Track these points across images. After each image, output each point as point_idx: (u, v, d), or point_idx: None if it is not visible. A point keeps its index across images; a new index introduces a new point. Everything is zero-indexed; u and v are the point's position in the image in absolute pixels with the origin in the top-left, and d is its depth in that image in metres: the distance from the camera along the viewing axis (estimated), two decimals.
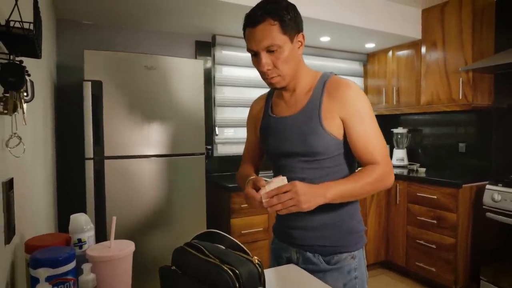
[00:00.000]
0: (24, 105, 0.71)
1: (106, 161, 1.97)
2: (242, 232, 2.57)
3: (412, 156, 3.68)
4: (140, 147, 2.08)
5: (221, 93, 3.14)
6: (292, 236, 1.18)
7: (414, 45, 3.29)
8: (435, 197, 2.78)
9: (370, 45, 3.48)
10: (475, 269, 2.68)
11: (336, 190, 0.98)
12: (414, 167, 3.34)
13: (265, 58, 1.03)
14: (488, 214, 2.46)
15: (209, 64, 3.10)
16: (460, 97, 2.90)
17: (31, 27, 0.70)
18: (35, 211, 1.20)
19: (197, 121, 2.27)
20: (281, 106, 1.19)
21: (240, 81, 3.20)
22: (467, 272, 2.72)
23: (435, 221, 2.79)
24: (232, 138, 3.24)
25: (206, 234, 0.94)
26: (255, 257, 0.79)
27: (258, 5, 1.04)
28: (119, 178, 2.02)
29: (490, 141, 3.03)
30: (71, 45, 2.50)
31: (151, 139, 2.11)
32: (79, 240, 0.81)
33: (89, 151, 1.92)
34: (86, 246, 0.81)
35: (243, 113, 3.25)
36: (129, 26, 2.71)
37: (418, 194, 2.91)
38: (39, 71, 1.48)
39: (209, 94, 3.06)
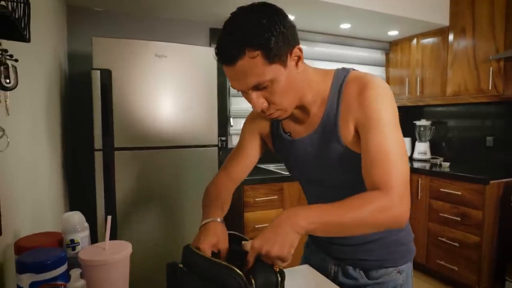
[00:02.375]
0: (7, 93, 0.64)
1: (116, 153, 1.92)
2: (256, 226, 2.51)
3: (435, 149, 3.52)
4: (150, 138, 2.03)
5: None
6: (329, 249, 1.05)
7: (440, 32, 3.10)
8: (460, 193, 2.64)
9: (393, 33, 3.30)
10: (501, 269, 2.54)
11: (315, 216, 0.73)
12: (437, 161, 3.18)
13: (256, 97, 0.80)
14: None
15: None
16: (490, 88, 2.72)
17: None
18: (36, 208, 1.15)
19: (210, 111, 2.19)
20: (293, 123, 0.97)
21: None
22: (491, 272, 2.58)
23: (458, 218, 2.65)
24: None
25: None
26: (277, 266, 0.72)
27: (228, 31, 0.76)
28: (129, 170, 1.98)
29: None
30: (82, 32, 2.46)
31: (162, 130, 2.05)
32: (72, 241, 0.75)
33: (98, 142, 1.87)
34: (79, 248, 0.75)
35: None
36: (141, 13, 2.64)
37: (441, 189, 2.77)
38: (43, 58, 1.43)
39: (224, 84, 2.97)
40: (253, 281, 0.70)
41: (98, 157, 1.87)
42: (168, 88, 2.06)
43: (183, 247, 0.82)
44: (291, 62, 0.79)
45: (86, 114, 2.13)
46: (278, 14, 0.77)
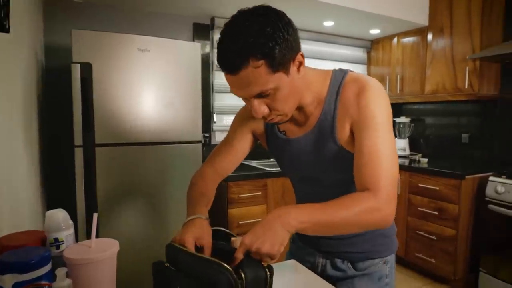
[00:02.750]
0: None
1: (97, 149, 1.88)
2: (240, 222, 2.51)
3: (414, 146, 3.61)
4: (133, 134, 1.99)
5: (220, 79, 3.03)
6: (317, 243, 1.07)
7: (420, 32, 3.18)
8: (437, 188, 2.72)
9: (375, 31, 3.36)
10: (475, 260, 2.64)
11: (305, 215, 0.74)
12: (416, 157, 3.27)
13: (258, 104, 0.79)
14: (491, 206, 2.41)
15: (207, 48, 2.98)
16: (466, 87, 2.81)
17: None
18: (15, 207, 1.11)
19: (194, 107, 2.17)
20: (288, 123, 0.96)
21: None
22: (466, 263, 2.68)
23: (436, 213, 2.73)
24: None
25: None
26: (266, 262, 0.72)
27: (230, 38, 0.73)
28: (111, 167, 1.94)
29: (494, 132, 2.95)
30: (60, 25, 2.38)
31: (144, 125, 2.02)
32: (56, 240, 0.73)
33: (78, 138, 1.82)
34: (64, 246, 0.73)
35: (241, 100, 3.15)
36: (123, 6, 2.58)
37: (420, 185, 2.85)
38: (19, 50, 1.37)
39: (207, 79, 2.95)
40: (242, 276, 0.70)
41: (79, 154, 1.83)
42: (151, 83, 2.02)
43: (166, 245, 0.81)
44: (293, 68, 0.79)
45: (65, 109, 2.07)
46: (281, 20, 0.75)
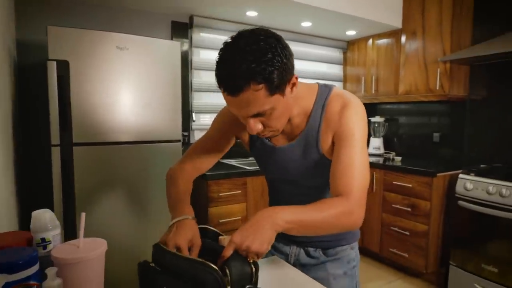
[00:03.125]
0: None
1: (75, 148, 1.83)
2: (220, 221, 2.52)
3: (388, 144, 3.73)
4: (111, 133, 1.96)
5: (199, 78, 3.02)
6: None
7: (394, 34, 3.28)
8: (411, 185, 2.83)
9: (351, 32, 3.44)
10: (445, 254, 2.76)
11: (290, 216, 0.80)
12: (390, 155, 3.38)
13: (253, 123, 0.85)
14: (460, 203, 2.52)
15: (185, 46, 2.96)
16: (437, 88, 2.93)
17: None
18: None
19: (173, 106, 2.16)
20: None
21: None
22: (437, 257, 2.81)
23: (409, 209, 2.84)
24: (210, 124, 3.14)
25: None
26: (251, 258, 0.74)
27: (232, 62, 0.77)
28: (89, 166, 1.90)
29: (463, 131, 3.10)
30: (34, 21, 2.30)
31: (123, 124, 1.99)
32: (43, 240, 0.72)
33: (55, 137, 1.78)
34: (51, 246, 0.73)
35: (221, 99, 3.15)
36: (99, 2, 2.53)
37: (394, 182, 2.95)
38: None
39: (186, 78, 2.93)
40: (227, 272, 0.72)
41: (56, 153, 1.78)
42: (130, 82, 1.99)
43: (152, 245, 0.82)
44: (288, 91, 0.85)
45: (41, 108, 2.01)
46: (280, 44, 0.80)
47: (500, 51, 2.39)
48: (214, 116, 3.17)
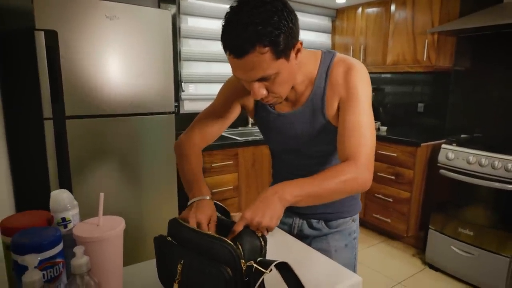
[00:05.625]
0: None
1: (67, 121, 1.81)
2: (213, 190, 2.57)
3: (373, 114, 3.79)
4: (104, 106, 1.93)
5: (187, 46, 2.96)
6: (295, 206, 1.17)
7: (384, 3, 3.26)
8: (395, 155, 2.94)
9: (341, 0, 3.40)
10: (425, 219, 2.94)
11: (298, 189, 0.82)
12: (376, 125, 3.46)
13: (258, 87, 0.85)
14: (442, 171, 2.65)
15: (173, 13, 2.87)
16: (424, 59, 2.97)
17: None
18: None
19: (165, 77, 2.13)
20: None
21: (208, 34, 3.02)
22: (418, 222, 2.98)
23: (393, 177, 2.97)
24: (200, 94, 3.12)
25: None
26: (259, 231, 0.79)
27: (239, 25, 0.76)
28: (83, 139, 1.88)
29: (447, 102, 3.19)
30: None
31: (116, 96, 1.96)
32: (63, 219, 0.74)
33: (48, 109, 1.74)
34: (71, 225, 0.75)
35: (211, 68, 3.11)
36: None
37: (379, 151, 3.05)
38: None
39: (175, 48, 2.87)
40: (239, 246, 0.77)
41: (49, 127, 1.75)
42: (121, 52, 1.94)
43: (169, 220, 0.85)
44: (292, 57, 0.85)
45: (27, 79, 1.94)
46: (286, 8, 0.79)
47: (487, 24, 2.44)
48: (203, 86, 3.15)
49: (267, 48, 0.77)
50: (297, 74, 0.93)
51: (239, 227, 0.79)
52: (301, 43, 0.86)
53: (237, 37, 0.76)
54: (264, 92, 0.86)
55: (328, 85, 0.96)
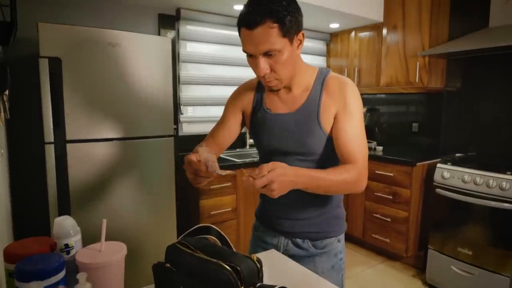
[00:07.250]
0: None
1: (68, 145, 1.84)
2: (211, 213, 2.58)
3: (369, 134, 3.81)
4: (104, 130, 1.97)
5: (186, 70, 3.03)
6: (280, 224, 1.21)
7: (376, 27, 3.37)
8: (392, 174, 2.96)
9: (334, 25, 3.51)
10: (424, 239, 2.93)
11: (309, 181, 0.93)
12: (372, 145, 3.50)
13: (263, 63, 0.98)
14: (438, 190, 2.67)
15: (172, 37, 2.94)
16: (417, 80, 3.05)
17: None
18: None
19: (165, 101, 2.18)
20: (276, 101, 1.16)
21: (206, 58, 3.10)
22: (417, 241, 2.97)
23: (390, 197, 2.98)
24: (198, 117, 3.16)
25: (196, 229, 0.94)
26: (254, 255, 0.80)
27: (255, 2, 0.95)
28: (83, 163, 1.91)
29: (440, 121, 3.25)
30: (20, 15, 2.24)
31: (116, 120, 2.00)
32: (66, 246, 0.76)
33: (49, 134, 1.77)
34: (74, 251, 0.77)
35: (209, 92, 3.18)
36: None
37: (376, 171, 3.08)
38: None
39: (174, 72, 2.93)
40: (240, 271, 0.77)
41: (49, 151, 1.78)
42: (123, 78, 1.99)
43: (167, 246, 0.86)
44: (295, 43, 1.00)
45: (30, 105, 1.99)
46: (295, 3, 0.98)
47: (475, 47, 2.52)
48: (201, 108, 3.19)
49: (275, 24, 0.92)
50: (297, 73, 1.07)
51: (261, 183, 0.82)
52: (303, 35, 1.01)
53: (252, 11, 0.93)
54: (268, 69, 0.99)
55: (324, 93, 1.09)
